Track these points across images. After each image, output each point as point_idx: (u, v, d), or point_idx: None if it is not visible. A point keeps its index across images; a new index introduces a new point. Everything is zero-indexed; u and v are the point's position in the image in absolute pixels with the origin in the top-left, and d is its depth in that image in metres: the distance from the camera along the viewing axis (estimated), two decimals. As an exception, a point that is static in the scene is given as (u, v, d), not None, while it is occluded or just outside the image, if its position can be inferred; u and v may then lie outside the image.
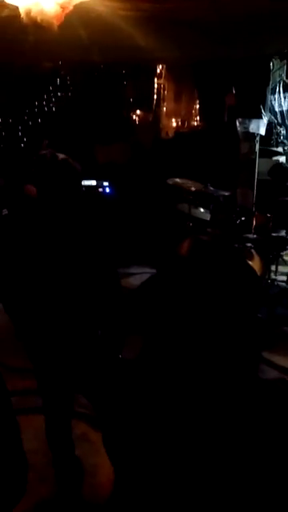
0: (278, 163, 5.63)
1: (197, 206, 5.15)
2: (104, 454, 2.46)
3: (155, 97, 6.14)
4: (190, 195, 4.97)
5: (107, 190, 5.77)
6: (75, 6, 2.64)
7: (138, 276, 5.19)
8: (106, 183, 5.73)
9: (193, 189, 4.88)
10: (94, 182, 5.68)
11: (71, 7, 2.59)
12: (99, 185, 5.73)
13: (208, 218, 5.08)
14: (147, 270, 5.33)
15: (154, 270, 5.27)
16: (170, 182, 5.01)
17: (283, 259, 5.44)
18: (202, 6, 3.07)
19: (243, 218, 4.93)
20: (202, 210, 5.18)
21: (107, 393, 2.19)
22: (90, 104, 6.22)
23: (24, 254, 2.02)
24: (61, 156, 1.98)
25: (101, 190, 5.73)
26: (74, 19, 2.93)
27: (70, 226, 2.03)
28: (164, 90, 6.11)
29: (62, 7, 2.54)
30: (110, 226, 2.19)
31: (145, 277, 5.19)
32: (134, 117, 6.40)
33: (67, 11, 2.58)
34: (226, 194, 5.08)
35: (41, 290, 2.03)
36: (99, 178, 5.66)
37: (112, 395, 2.14)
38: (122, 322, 2.18)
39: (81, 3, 2.63)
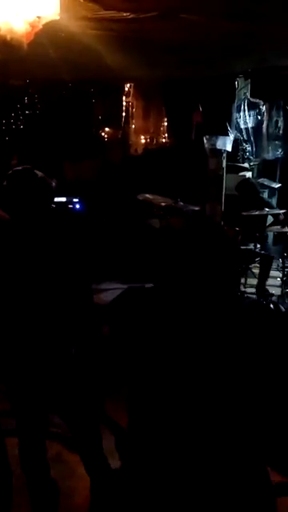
0: (244, 179, 5.78)
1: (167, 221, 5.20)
2: (80, 475, 2.43)
3: (124, 114, 6.21)
4: (160, 210, 5.02)
5: (77, 206, 5.76)
6: (44, 25, 2.67)
7: (110, 292, 5.17)
8: (75, 200, 5.72)
9: (163, 204, 4.93)
10: (63, 199, 5.66)
11: (41, 26, 2.62)
12: (69, 201, 5.71)
13: (178, 233, 5.14)
14: (119, 285, 5.32)
15: (125, 286, 5.26)
16: (140, 197, 5.05)
17: (252, 272, 5.55)
18: (168, 27, 3.16)
19: (213, 233, 5.01)
20: (172, 224, 5.23)
21: (82, 412, 2.16)
22: (58, 122, 6.23)
23: None
24: (39, 174, 1.97)
25: (71, 206, 5.72)
26: (43, 38, 2.96)
27: (41, 243, 2.01)
28: (132, 108, 6.19)
29: (32, 26, 2.56)
30: (82, 243, 2.18)
31: (116, 293, 5.18)
32: (103, 134, 6.45)
33: (37, 30, 2.60)
34: (196, 208, 5.15)
35: (12, 309, 1.99)
36: (69, 195, 5.65)
37: (87, 414, 2.11)
38: (95, 339, 2.16)
39: (50, 22, 2.66)
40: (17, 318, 1.99)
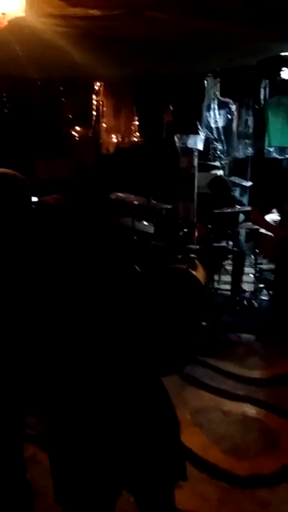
0: (216, 176, 5.85)
1: (140, 220, 5.22)
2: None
3: (94, 113, 6.19)
4: (133, 209, 5.03)
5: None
6: (10, 22, 2.63)
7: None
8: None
9: (136, 203, 4.95)
10: (35, 199, 5.60)
11: (6, 23, 2.59)
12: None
13: (152, 231, 5.16)
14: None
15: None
16: (112, 196, 5.05)
17: (225, 268, 5.62)
18: (136, 25, 3.17)
19: (185, 230, 5.06)
20: (145, 223, 5.26)
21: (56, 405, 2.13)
22: (28, 121, 6.16)
23: None
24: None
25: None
26: (9, 35, 2.92)
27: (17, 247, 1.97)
28: (103, 107, 6.17)
29: (-4, 22, 2.53)
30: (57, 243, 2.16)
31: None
32: (74, 133, 6.41)
33: (2, 26, 2.57)
34: (168, 207, 5.19)
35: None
36: (40, 194, 5.59)
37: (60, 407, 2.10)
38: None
39: (15, 19, 2.63)
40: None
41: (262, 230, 4.79)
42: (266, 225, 4.51)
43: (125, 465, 1.57)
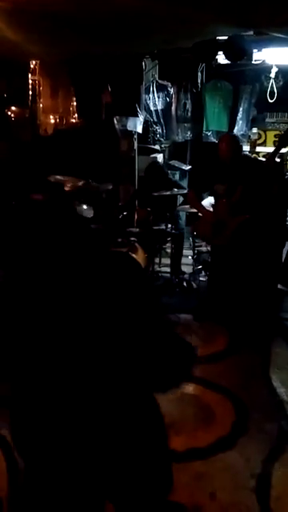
0: (152, 161, 5.87)
1: (80, 203, 5.13)
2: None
3: (30, 93, 5.98)
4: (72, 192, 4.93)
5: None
6: None
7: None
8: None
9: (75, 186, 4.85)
10: None
11: None
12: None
13: (91, 215, 5.10)
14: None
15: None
16: (51, 179, 4.93)
17: (166, 251, 5.70)
18: (66, 2, 3.06)
19: (125, 213, 5.05)
20: (85, 206, 5.18)
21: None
22: None
23: None
24: None
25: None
26: None
27: None
28: (39, 87, 5.97)
29: None
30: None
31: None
32: (10, 113, 6.16)
33: None
34: (109, 187, 5.14)
35: None
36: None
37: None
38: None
39: None
40: None
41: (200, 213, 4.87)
42: (199, 207, 4.61)
43: (110, 474, 1.54)
